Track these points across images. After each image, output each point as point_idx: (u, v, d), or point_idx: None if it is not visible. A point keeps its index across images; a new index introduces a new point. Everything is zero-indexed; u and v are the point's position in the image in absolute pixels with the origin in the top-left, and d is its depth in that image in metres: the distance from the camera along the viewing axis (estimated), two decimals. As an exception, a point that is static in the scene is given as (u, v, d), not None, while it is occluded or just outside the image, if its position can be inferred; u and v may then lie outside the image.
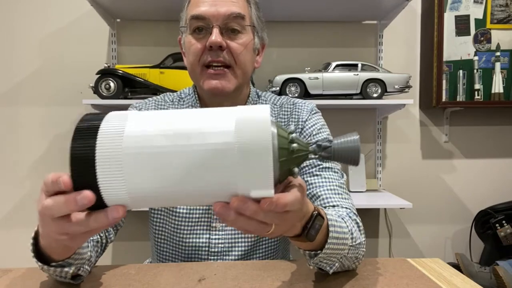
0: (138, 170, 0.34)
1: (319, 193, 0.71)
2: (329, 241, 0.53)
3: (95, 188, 0.35)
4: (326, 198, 0.70)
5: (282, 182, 0.40)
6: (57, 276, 0.55)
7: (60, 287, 0.60)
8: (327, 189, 0.72)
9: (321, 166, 0.75)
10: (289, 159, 0.38)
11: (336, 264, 0.59)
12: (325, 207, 0.70)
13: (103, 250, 0.71)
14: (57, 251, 0.49)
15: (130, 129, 0.35)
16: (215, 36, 0.70)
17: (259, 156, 0.34)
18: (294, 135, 0.39)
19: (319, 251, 0.53)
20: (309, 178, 0.74)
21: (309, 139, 0.79)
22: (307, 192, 0.73)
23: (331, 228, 0.53)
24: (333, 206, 0.69)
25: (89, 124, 0.36)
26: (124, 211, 0.36)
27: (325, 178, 0.73)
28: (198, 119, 0.36)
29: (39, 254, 0.51)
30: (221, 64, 0.73)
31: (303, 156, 0.40)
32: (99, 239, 0.69)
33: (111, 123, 0.36)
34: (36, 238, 0.51)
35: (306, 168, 0.76)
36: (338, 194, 0.71)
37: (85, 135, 0.35)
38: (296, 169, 0.39)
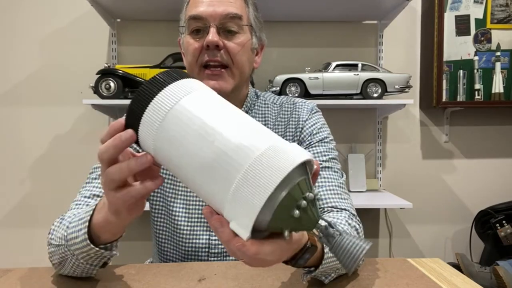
0: (169, 129, 0.38)
1: (318, 194, 0.71)
2: (324, 262, 0.53)
3: (139, 116, 0.40)
4: (325, 198, 0.70)
5: (270, 232, 0.38)
6: (89, 264, 0.56)
7: (60, 287, 0.60)
8: (326, 189, 0.72)
9: (321, 166, 0.75)
10: (284, 220, 0.35)
11: (332, 275, 0.59)
12: (323, 208, 0.69)
13: None
14: (110, 229, 0.52)
15: (186, 101, 0.39)
16: (212, 35, 0.70)
17: (256, 194, 0.33)
18: (305, 202, 0.35)
19: (312, 268, 0.53)
20: None
21: (309, 138, 0.79)
22: None
23: (326, 249, 0.52)
24: (331, 207, 0.69)
25: (165, 78, 0.40)
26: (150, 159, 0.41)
27: (324, 178, 0.73)
28: (239, 126, 0.37)
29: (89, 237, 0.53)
30: (218, 64, 0.73)
31: (303, 227, 0.36)
32: None
33: (178, 87, 0.40)
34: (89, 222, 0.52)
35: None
36: (337, 194, 0.71)
37: (161, 82, 0.40)
38: (286, 233, 0.36)
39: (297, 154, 0.35)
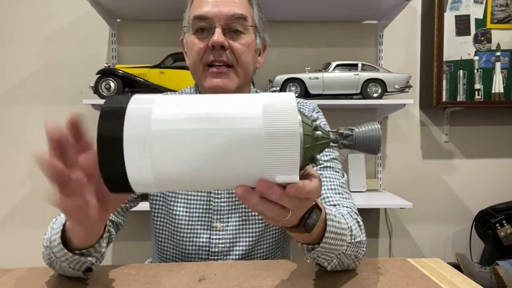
0: (165, 152, 0.35)
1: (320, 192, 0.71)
2: (326, 235, 0.53)
3: (121, 169, 0.35)
4: (327, 197, 0.70)
5: (303, 169, 0.41)
6: (71, 268, 0.55)
7: (60, 286, 0.60)
8: (328, 189, 0.72)
9: (322, 166, 0.75)
10: (313, 146, 0.38)
11: (334, 261, 0.59)
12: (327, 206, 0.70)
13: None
14: (76, 234, 0.50)
15: (157, 111, 0.35)
16: (218, 36, 0.70)
17: (287, 142, 0.35)
18: (317, 122, 0.40)
19: (316, 245, 0.53)
20: None
21: None
22: None
23: (329, 222, 0.53)
24: (334, 205, 0.69)
25: (116, 105, 0.36)
26: None
27: (326, 177, 0.73)
28: (226, 104, 0.37)
29: (64, 242, 0.52)
30: (223, 64, 0.73)
31: (325, 143, 0.40)
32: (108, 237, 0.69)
33: (138, 105, 0.36)
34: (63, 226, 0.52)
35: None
36: (339, 193, 0.71)
37: (112, 117, 0.35)
38: (318, 156, 0.40)
39: (286, 96, 0.37)
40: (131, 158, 0.34)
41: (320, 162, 0.75)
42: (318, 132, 0.39)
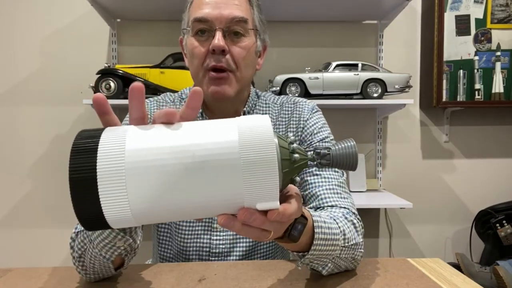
0: (141, 187, 0.34)
1: (318, 193, 0.71)
2: (315, 242, 0.53)
3: (97, 208, 0.34)
4: (325, 198, 0.70)
5: (282, 191, 0.41)
6: (103, 256, 0.55)
7: (60, 286, 0.60)
8: (326, 189, 0.72)
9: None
10: (291, 169, 0.39)
11: (329, 265, 0.59)
12: (323, 207, 0.69)
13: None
14: None
15: (131, 144, 0.34)
16: (218, 40, 0.70)
17: (265, 169, 0.35)
18: (294, 145, 0.40)
19: (306, 252, 0.53)
20: (308, 178, 0.74)
21: (310, 138, 0.79)
22: (307, 192, 0.73)
23: (317, 230, 0.53)
24: (331, 206, 0.69)
25: (87, 142, 0.34)
26: None
27: (324, 177, 0.73)
28: (201, 133, 0.36)
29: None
30: (223, 69, 0.73)
31: (303, 165, 0.41)
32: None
33: (110, 139, 0.35)
34: None
35: (306, 168, 0.76)
36: (337, 193, 0.71)
37: (83, 155, 0.34)
38: (297, 178, 0.41)
39: (260, 119, 0.37)
40: (107, 196, 0.33)
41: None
42: (296, 155, 0.39)
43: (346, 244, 0.60)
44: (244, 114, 0.80)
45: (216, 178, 0.35)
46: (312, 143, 0.79)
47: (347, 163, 0.42)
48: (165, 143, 0.35)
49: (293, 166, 0.39)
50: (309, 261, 0.55)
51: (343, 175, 0.77)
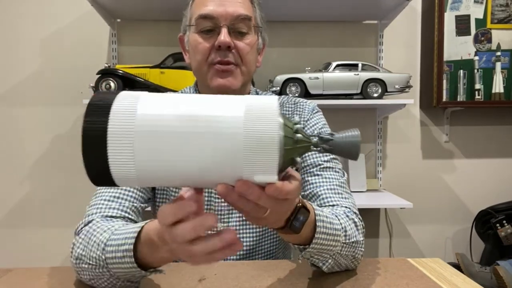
0: (147, 149, 0.36)
1: (319, 193, 0.71)
2: (316, 235, 0.53)
3: (104, 163, 0.36)
4: (326, 197, 0.70)
5: (283, 171, 0.41)
6: (132, 282, 0.55)
7: (60, 286, 0.60)
8: (327, 189, 0.72)
9: (321, 166, 0.75)
10: (293, 149, 0.39)
11: (330, 261, 0.59)
12: (324, 207, 0.69)
13: None
14: (162, 262, 0.51)
15: (142, 109, 0.36)
16: (224, 36, 0.70)
17: (266, 144, 0.36)
18: (298, 126, 0.40)
19: (307, 246, 0.53)
20: (309, 178, 0.74)
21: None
22: (308, 192, 0.73)
23: (319, 223, 0.53)
24: (333, 205, 0.69)
25: (103, 101, 0.37)
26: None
27: (325, 178, 0.74)
28: (209, 104, 0.37)
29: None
30: (228, 64, 0.73)
31: (305, 147, 0.41)
32: None
33: (124, 102, 0.37)
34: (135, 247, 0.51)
35: (307, 168, 0.76)
36: (338, 193, 0.72)
37: (98, 112, 0.36)
38: (298, 159, 0.41)
39: (269, 98, 0.38)
40: (115, 153, 0.35)
41: (320, 162, 0.75)
42: (299, 135, 0.39)
43: (347, 241, 0.60)
44: None
45: (218, 147, 0.36)
46: None
47: (349, 152, 0.42)
48: (174, 111, 0.36)
49: (295, 146, 0.39)
50: (310, 255, 0.55)
51: (344, 175, 0.77)
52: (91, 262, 0.55)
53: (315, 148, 0.42)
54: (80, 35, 1.81)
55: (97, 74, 1.54)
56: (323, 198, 0.70)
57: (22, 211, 1.82)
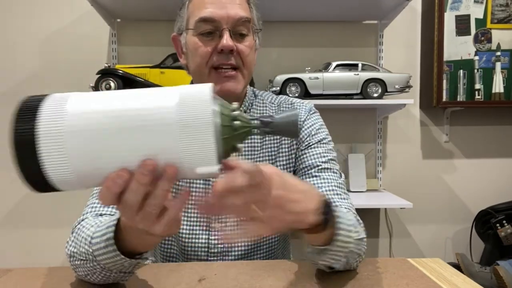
0: (81, 148, 0.34)
1: None
2: (337, 232, 0.52)
3: (39, 169, 0.34)
4: None
5: (226, 158, 0.42)
6: (123, 272, 0.55)
7: (59, 286, 0.60)
8: (326, 190, 0.72)
9: (320, 167, 0.75)
10: (232, 136, 0.39)
11: (343, 259, 0.58)
12: None
13: None
14: (144, 244, 0.51)
15: (72, 108, 0.35)
16: (227, 40, 0.70)
17: (202, 133, 0.35)
18: (236, 112, 0.40)
19: (327, 246, 0.53)
20: (308, 179, 0.74)
21: (307, 139, 0.79)
22: None
23: (339, 219, 0.52)
24: None
25: (30, 104, 0.36)
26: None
27: (324, 179, 0.74)
28: (142, 97, 0.37)
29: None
30: (230, 67, 0.73)
31: (246, 132, 0.41)
32: None
33: (52, 103, 0.36)
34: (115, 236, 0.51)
35: (305, 169, 0.76)
36: (337, 194, 0.72)
37: (26, 117, 0.35)
38: (240, 145, 0.41)
39: (202, 87, 0.38)
40: (48, 157, 0.34)
41: (318, 164, 0.75)
42: (237, 122, 0.39)
43: (357, 237, 0.59)
44: None
45: (154, 140, 0.35)
46: (310, 144, 0.79)
47: (289, 131, 0.43)
48: (106, 107, 0.35)
49: (233, 133, 0.39)
50: (327, 257, 0.55)
51: (341, 176, 0.77)
52: (82, 258, 0.56)
53: (255, 131, 0.42)
54: (80, 35, 1.81)
55: (97, 74, 1.54)
56: None
57: (22, 211, 1.82)
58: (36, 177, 0.35)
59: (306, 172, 0.75)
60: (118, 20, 1.82)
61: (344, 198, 0.72)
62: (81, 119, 0.35)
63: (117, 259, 0.51)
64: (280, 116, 0.43)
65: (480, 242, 1.81)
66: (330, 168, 0.76)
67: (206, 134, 0.35)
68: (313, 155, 0.77)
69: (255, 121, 0.42)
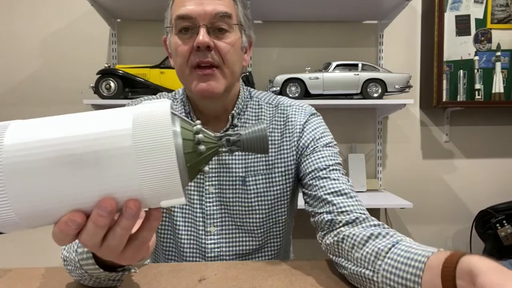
0: (23, 186, 0.30)
1: (329, 198, 0.68)
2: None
3: None
4: (337, 203, 0.67)
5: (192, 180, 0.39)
6: (111, 280, 0.55)
7: (59, 286, 0.60)
8: (338, 191, 0.68)
9: (329, 169, 0.72)
10: (197, 162, 0.36)
11: None
12: (339, 212, 0.66)
13: None
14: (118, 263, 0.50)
15: (10, 139, 0.31)
16: (202, 36, 0.68)
17: (163, 162, 0.31)
18: (200, 135, 0.36)
19: None
20: (317, 182, 0.71)
21: (312, 143, 0.76)
22: (317, 195, 0.70)
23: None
24: (346, 211, 0.65)
25: None
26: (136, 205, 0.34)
27: (333, 179, 0.70)
28: (91, 122, 0.32)
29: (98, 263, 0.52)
30: (209, 65, 0.71)
31: (211, 154, 0.38)
32: None
33: None
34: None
35: (313, 173, 0.72)
36: (351, 197, 0.68)
37: None
38: (206, 168, 0.38)
39: (159, 106, 0.34)
40: None
41: (326, 166, 0.72)
42: (201, 147, 0.36)
43: None
44: (233, 116, 0.77)
45: (108, 174, 0.31)
46: (317, 148, 0.75)
47: (257, 147, 0.40)
48: (50, 136, 0.31)
49: (198, 158, 0.36)
50: None
51: (348, 181, 0.73)
52: (71, 264, 0.57)
53: (222, 150, 0.40)
54: (80, 35, 1.81)
55: (97, 74, 1.54)
56: (334, 204, 0.67)
57: (22, 211, 1.82)
58: None
59: (315, 176, 0.71)
60: (118, 20, 1.82)
61: (357, 200, 0.68)
62: (20, 152, 0.30)
63: (100, 271, 0.51)
64: (247, 132, 0.40)
65: (480, 242, 1.81)
66: (339, 170, 0.73)
67: (168, 163, 0.31)
68: (320, 157, 0.73)
69: (222, 140, 0.39)
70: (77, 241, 0.55)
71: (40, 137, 0.31)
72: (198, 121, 0.39)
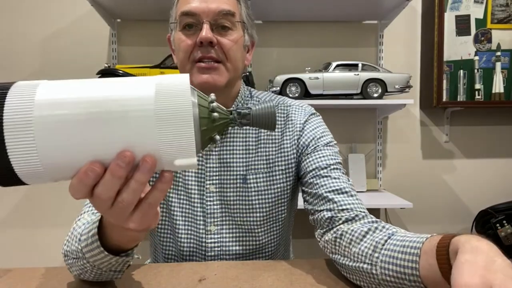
0: (51, 140, 0.33)
1: (330, 196, 0.68)
2: None
3: (5, 161, 0.32)
4: (338, 201, 0.67)
5: (203, 150, 0.41)
6: (112, 271, 0.55)
7: (59, 286, 0.60)
8: (339, 189, 0.69)
9: (330, 168, 0.73)
10: (211, 128, 0.39)
11: None
12: (339, 210, 0.67)
13: None
14: (127, 240, 0.50)
15: (41, 96, 0.33)
16: (206, 32, 0.69)
17: (180, 124, 0.34)
18: (214, 104, 0.39)
19: None
20: (318, 181, 0.71)
21: (313, 142, 0.76)
22: (318, 193, 0.70)
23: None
24: (346, 209, 0.66)
25: None
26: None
27: (334, 178, 0.71)
28: (116, 86, 0.35)
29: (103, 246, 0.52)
30: (211, 60, 0.71)
31: (224, 123, 0.41)
32: None
33: (20, 91, 0.33)
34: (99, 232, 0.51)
35: (314, 172, 0.73)
36: (351, 196, 0.69)
37: None
38: (217, 137, 0.40)
39: (180, 77, 0.36)
40: (15, 150, 0.32)
41: (327, 165, 0.73)
42: (215, 114, 0.39)
43: None
44: None
45: (130, 131, 0.34)
46: (317, 147, 0.76)
47: (267, 122, 0.43)
48: (78, 95, 0.34)
49: (212, 125, 0.39)
50: None
51: (349, 180, 0.73)
52: (73, 256, 0.57)
53: (232, 123, 0.42)
54: (80, 35, 1.81)
55: (97, 74, 1.54)
56: (335, 202, 0.68)
57: (22, 211, 1.82)
58: (2, 171, 0.33)
59: (316, 174, 0.72)
60: (118, 20, 1.82)
61: (357, 199, 0.69)
62: (51, 109, 0.33)
63: (102, 255, 0.51)
64: (257, 108, 0.43)
65: (480, 242, 1.81)
66: (340, 169, 0.74)
67: (185, 125, 0.34)
68: (321, 157, 0.74)
69: (233, 113, 0.42)
70: (80, 230, 0.55)
71: (70, 94, 0.34)
72: (212, 94, 0.41)
